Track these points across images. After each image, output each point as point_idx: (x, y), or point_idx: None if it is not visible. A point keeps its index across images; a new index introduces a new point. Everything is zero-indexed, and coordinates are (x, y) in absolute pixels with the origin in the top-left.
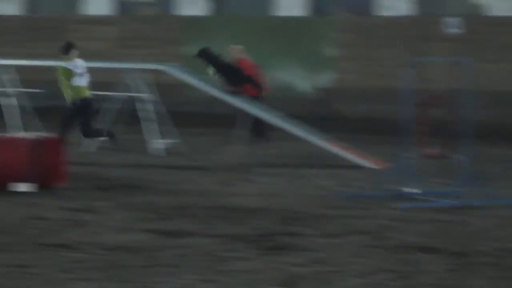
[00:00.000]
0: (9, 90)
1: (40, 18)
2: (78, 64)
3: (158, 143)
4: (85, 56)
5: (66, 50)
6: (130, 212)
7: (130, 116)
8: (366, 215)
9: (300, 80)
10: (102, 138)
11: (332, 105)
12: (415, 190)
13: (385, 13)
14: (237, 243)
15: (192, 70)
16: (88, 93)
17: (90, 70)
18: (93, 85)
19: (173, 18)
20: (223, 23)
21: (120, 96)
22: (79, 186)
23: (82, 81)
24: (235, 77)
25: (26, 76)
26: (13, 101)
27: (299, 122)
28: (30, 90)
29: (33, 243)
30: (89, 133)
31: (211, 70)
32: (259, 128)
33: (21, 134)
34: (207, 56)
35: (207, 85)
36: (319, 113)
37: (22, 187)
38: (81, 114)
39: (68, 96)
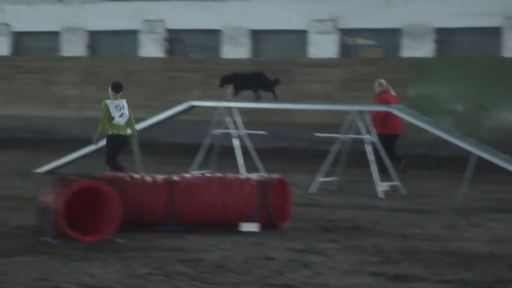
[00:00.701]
0: (233, 131)
1: (266, 61)
2: (121, 104)
3: (380, 185)
4: (310, 98)
5: (119, 89)
6: (355, 254)
7: (353, 157)
8: None
9: None
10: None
11: None
12: None
13: None
14: None
15: (416, 112)
16: (125, 131)
17: (315, 112)
18: (317, 127)
19: (397, 59)
20: (449, 65)
21: (344, 138)
22: (304, 227)
23: (121, 120)
24: (262, 82)
25: (250, 118)
26: (237, 142)
27: None
28: (254, 132)
29: (260, 283)
30: (112, 165)
31: (230, 94)
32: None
33: (249, 175)
34: (229, 79)
35: (432, 127)
36: None
37: (247, 227)
38: (112, 148)
39: (105, 131)
